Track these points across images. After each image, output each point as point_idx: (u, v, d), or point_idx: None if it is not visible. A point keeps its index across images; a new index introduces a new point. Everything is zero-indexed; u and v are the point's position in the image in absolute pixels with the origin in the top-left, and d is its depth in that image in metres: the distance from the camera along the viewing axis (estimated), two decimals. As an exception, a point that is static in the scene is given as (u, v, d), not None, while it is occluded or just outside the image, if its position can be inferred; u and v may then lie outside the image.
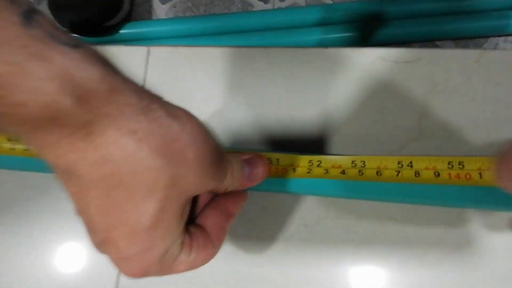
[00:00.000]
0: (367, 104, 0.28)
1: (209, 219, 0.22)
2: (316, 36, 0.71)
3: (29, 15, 0.14)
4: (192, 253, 0.20)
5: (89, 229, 0.17)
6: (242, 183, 0.23)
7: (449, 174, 0.21)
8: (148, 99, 0.16)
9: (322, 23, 0.72)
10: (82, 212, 0.17)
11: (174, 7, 0.65)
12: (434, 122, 0.27)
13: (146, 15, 0.65)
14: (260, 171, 0.23)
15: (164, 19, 0.72)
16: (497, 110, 0.26)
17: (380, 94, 0.28)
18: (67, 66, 0.14)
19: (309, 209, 0.26)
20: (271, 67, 0.29)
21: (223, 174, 0.20)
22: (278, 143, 0.28)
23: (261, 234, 0.27)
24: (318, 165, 0.24)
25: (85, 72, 0.15)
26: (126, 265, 0.18)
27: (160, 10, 0.66)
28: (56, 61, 0.14)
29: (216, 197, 0.23)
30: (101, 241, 0.17)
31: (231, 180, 0.21)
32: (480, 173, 0.20)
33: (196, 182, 0.18)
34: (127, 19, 0.73)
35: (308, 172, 0.24)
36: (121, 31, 0.74)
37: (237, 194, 0.23)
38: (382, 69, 0.28)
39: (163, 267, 0.19)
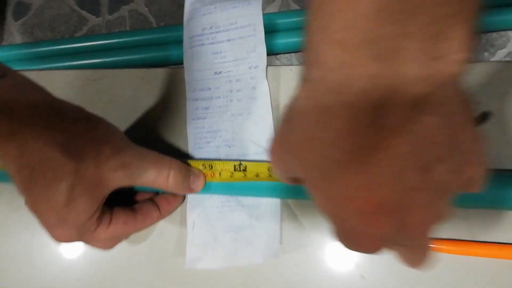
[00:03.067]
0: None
1: (144, 206, 0.29)
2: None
3: None
4: (111, 226, 0.26)
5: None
6: (185, 188, 0.29)
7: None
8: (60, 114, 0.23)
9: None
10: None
11: (24, 23, 0.72)
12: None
13: (2, 33, 0.70)
14: (201, 182, 0.29)
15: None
16: (162, 114, 0.34)
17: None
18: None
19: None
20: None
21: (129, 173, 0.25)
22: None
23: None
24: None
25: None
26: (50, 232, 0.25)
27: (14, 27, 0.74)
28: None
29: (158, 193, 0.30)
30: (31, 211, 0.24)
31: (174, 184, 0.28)
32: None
33: (99, 174, 0.24)
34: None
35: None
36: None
37: (174, 196, 0.30)
38: (79, 85, 0.36)
39: (83, 235, 0.25)
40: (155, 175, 0.27)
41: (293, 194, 0.29)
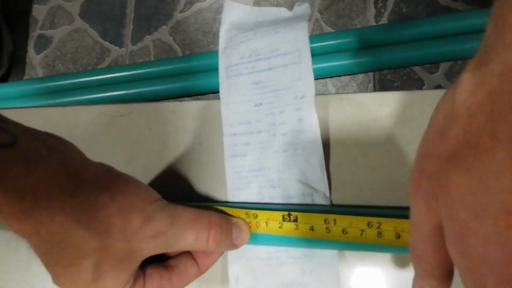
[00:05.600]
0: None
1: (180, 262, 0.25)
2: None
3: None
4: None
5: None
6: (228, 246, 0.25)
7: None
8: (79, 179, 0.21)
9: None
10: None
11: (46, 56, 0.72)
12: (139, 164, 0.31)
13: (24, 67, 0.69)
14: (245, 236, 0.26)
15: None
16: (196, 152, 0.31)
17: (101, 144, 0.32)
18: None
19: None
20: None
21: (166, 241, 0.22)
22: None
23: None
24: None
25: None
26: None
27: (36, 61, 0.73)
28: None
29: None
30: (57, 285, 0.21)
31: (215, 245, 0.24)
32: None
33: (128, 248, 0.21)
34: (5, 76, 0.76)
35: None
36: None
37: (213, 253, 0.26)
38: (104, 122, 0.33)
39: None
40: (193, 239, 0.23)
41: (356, 247, 0.25)
